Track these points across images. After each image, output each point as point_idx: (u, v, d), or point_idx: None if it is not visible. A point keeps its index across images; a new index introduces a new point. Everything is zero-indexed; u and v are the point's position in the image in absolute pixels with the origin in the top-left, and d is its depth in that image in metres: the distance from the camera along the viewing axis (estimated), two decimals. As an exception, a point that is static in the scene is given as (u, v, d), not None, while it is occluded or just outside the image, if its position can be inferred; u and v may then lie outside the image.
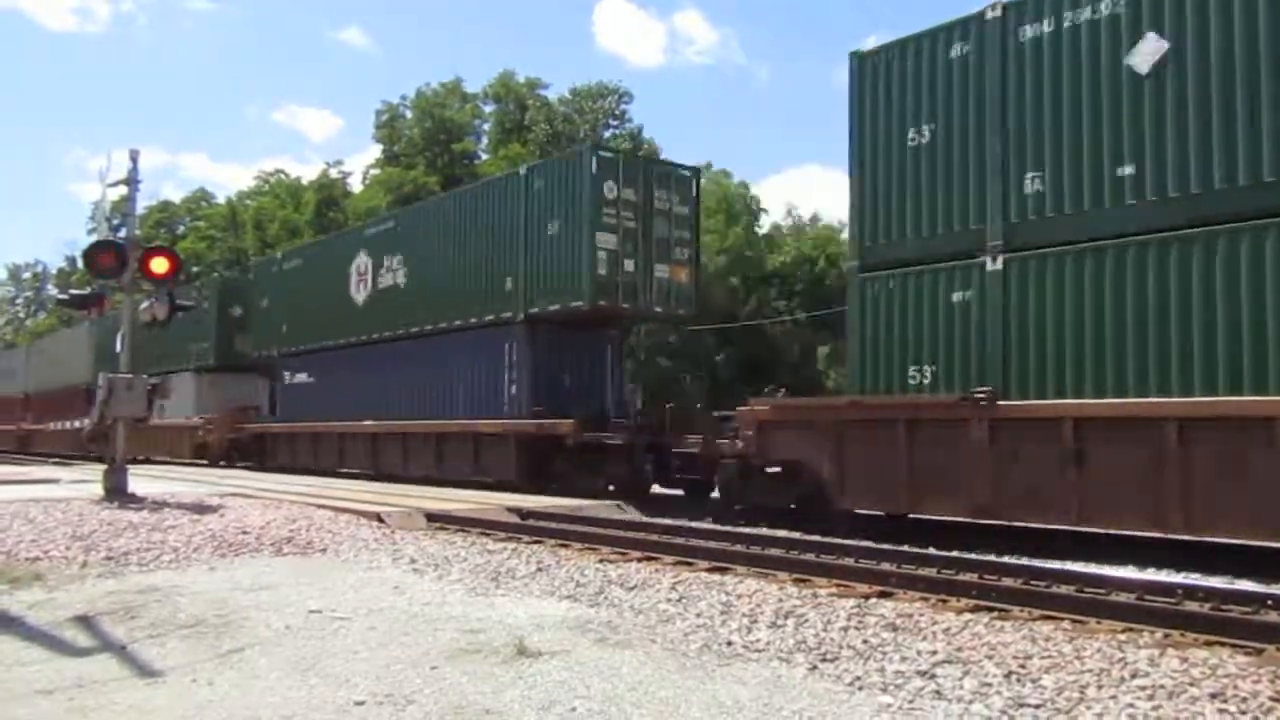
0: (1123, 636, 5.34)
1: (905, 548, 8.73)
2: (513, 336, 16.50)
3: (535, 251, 16.09)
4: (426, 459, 18.23)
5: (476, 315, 17.24)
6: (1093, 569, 7.40)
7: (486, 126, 58.05)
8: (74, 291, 14.68)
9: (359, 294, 20.86)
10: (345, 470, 20.79)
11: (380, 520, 10.83)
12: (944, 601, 6.31)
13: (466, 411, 17.32)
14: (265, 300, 24.88)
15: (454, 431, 17.57)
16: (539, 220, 16.07)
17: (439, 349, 18.17)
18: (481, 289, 17.19)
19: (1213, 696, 4.23)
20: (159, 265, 12.48)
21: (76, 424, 31.93)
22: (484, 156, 54.88)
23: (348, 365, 20.91)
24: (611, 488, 14.67)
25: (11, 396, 41.20)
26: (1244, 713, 4.07)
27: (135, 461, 27.43)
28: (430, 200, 24.34)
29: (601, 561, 8.24)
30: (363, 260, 20.84)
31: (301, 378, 23.13)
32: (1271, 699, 4.19)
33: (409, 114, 57.14)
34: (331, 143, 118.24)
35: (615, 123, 54.97)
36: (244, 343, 26.32)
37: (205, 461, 26.03)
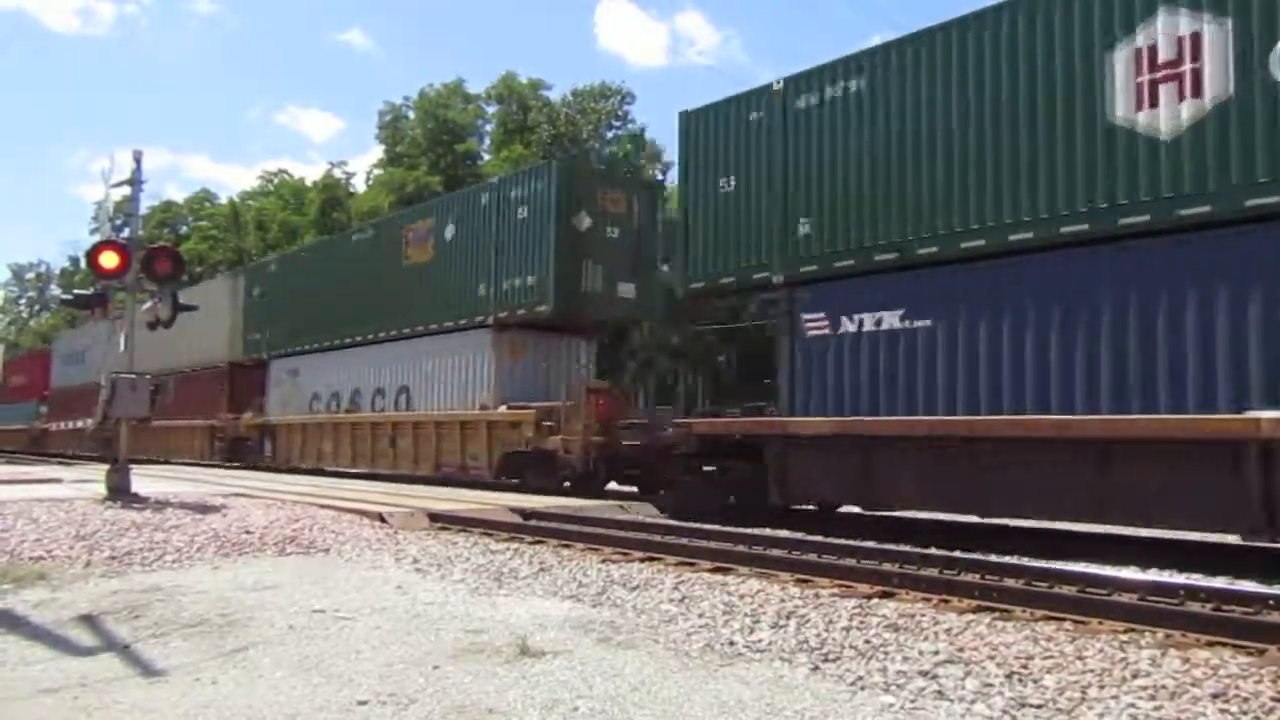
0: (1124, 637, 5.34)
1: (907, 548, 8.73)
2: None
3: None
4: None
5: None
6: (1095, 569, 7.39)
7: (489, 127, 58.10)
8: (78, 292, 14.67)
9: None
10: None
11: (383, 520, 10.84)
12: (946, 602, 6.31)
13: None
14: (729, 178, 12.58)
15: None
16: None
17: None
18: None
19: (1214, 697, 4.24)
20: (162, 266, 12.51)
21: (209, 422, 26.10)
22: (486, 157, 54.94)
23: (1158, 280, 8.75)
24: None
25: (83, 387, 31.04)
26: (1245, 713, 4.07)
27: (360, 475, 19.09)
28: None
29: (604, 562, 8.24)
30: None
31: (891, 321, 10.73)
32: (1273, 699, 4.20)
33: (411, 115, 57.19)
34: (333, 144, 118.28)
35: (618, 123, 55.03)
36: (596, 276, 16.09)
37: (517, 481, 15.75)
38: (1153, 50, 8.95)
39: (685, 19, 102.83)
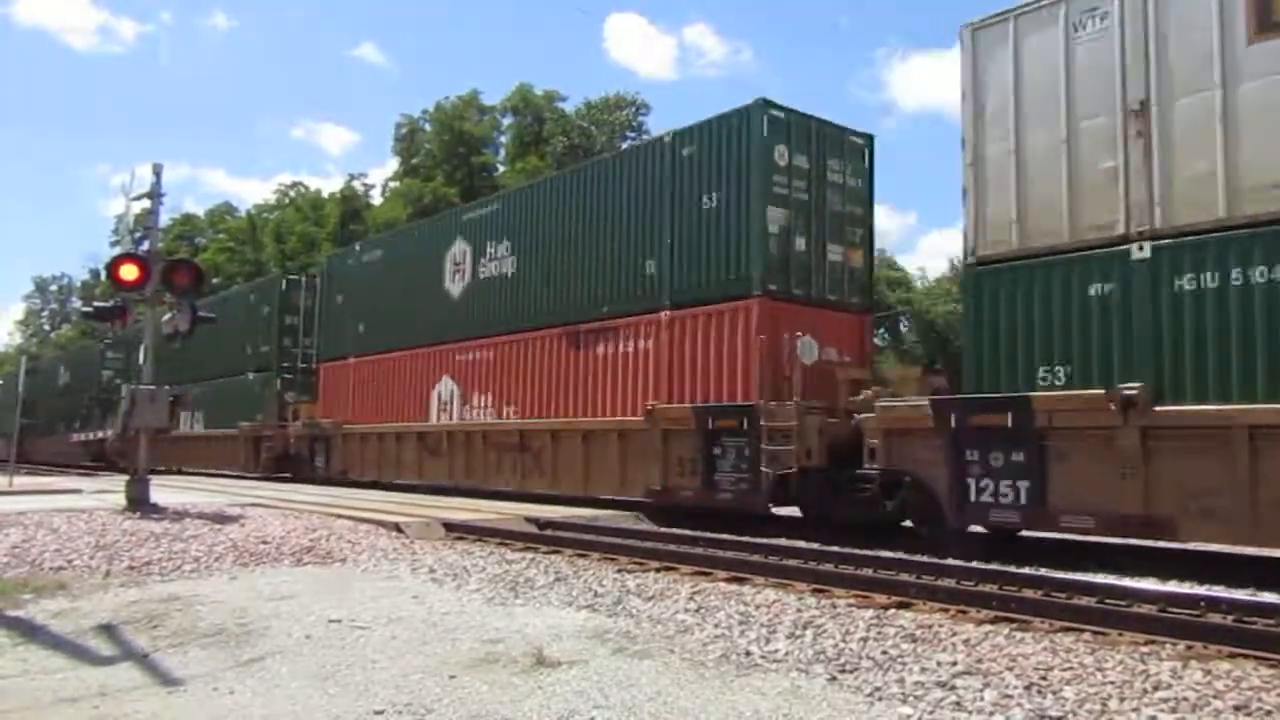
0: (1145, 648, 5.30)
1: (923, 558, 8.68)
2: None
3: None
4: None
5: None
6: (1114, 580, 7.33)
7: (504, 139, 58.34)
8: (99, 304, 14.80)
9: None
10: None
11: (399, 530, 10.87)
12: (963, 612, 6.28)
13: None
14: None
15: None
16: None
17: None
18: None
19: (1236, 709, 4.19)
20: (181, 278, 12.62)
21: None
22: (502, 169, 55.16)
23: None
24: None
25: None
26: (1269, 726, 4.03)
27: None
28: None
29: (619, 571, 8.24)
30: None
31: None
32: (1297, 712, 4.15)
33: (428, 127, 57.51)
34: (348, 157, 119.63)
35: (633, 134, 55.14)
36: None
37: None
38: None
39: (693, 31, 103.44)
